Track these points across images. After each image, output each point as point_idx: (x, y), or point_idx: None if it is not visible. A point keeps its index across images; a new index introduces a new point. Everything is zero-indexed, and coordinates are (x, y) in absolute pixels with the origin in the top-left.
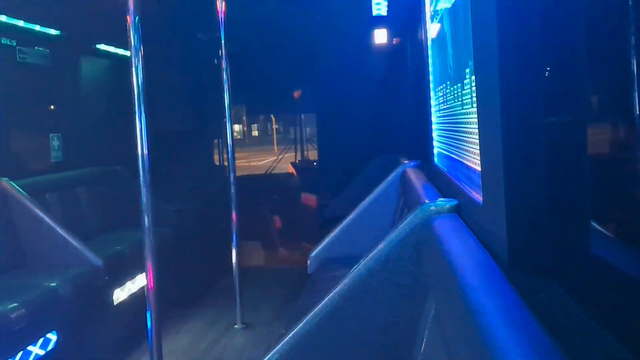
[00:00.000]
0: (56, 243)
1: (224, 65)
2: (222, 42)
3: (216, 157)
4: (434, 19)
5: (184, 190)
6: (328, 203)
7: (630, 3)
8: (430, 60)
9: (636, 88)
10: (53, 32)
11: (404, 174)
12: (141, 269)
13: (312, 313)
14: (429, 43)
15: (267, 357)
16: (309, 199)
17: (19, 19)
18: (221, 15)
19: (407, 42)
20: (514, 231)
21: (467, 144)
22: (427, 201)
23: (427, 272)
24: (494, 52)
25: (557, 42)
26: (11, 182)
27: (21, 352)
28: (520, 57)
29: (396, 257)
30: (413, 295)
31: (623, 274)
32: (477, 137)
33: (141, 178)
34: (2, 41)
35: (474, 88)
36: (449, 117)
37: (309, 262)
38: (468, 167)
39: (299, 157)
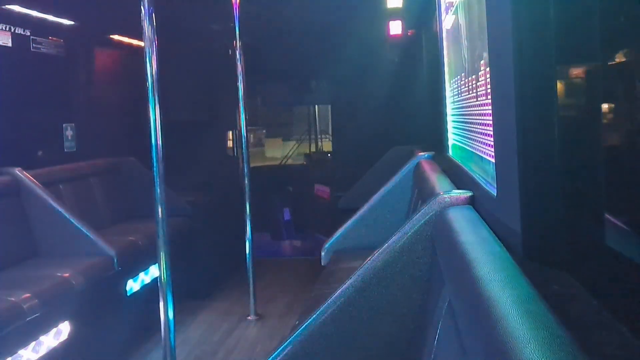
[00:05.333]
0: (69, 233)
1: (237, 56)
2: (237, 33)
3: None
4: (449, 11)
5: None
6: (342, 194)
7: None
8: (445, 52)
9: None
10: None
11: (418, 166)
12: (154, 259)
13: (325, 304)
14: (444, 35)
15: (280, 349)
16: (323, 190)
17: None
18: (235, 6)
19: (421, 34)
20: (528, 223)
21: (481, 136)
22: (441, 192)
23: (441, 263)
24: (508, 44)
25: (572, 33)
26: (24, 172)
27: (34, 342)
28: (536, 48)
29: (410, 249)
30: (427, 286)
31: (637, 266)
32: (491, 129)
33: (154, 169)
34: None
35: (488, 80)
36: (463, 109)
37: (322, 253)
38: (482, 159)
39: (312, 149)
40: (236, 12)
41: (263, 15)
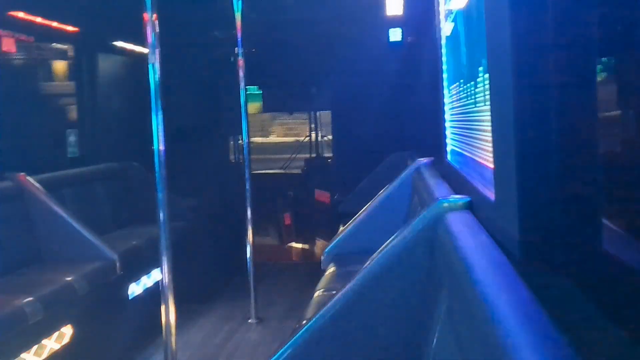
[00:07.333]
0: (72, 238)
1: (240, 63)
2: (239, 40)
3: None
4: (448, 18)
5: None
6: (342, 199)
7: None
8: (444, 59)
9: None
10: None
11: (417, 171)
12: (156, 263)
13: (325, 308)
14: (443, 41)
15: (280, 352)
16: (323, 195)
17: None
18: (237, 13)
19: (421, 40)
20: (526, 228)
21: (480, 142)
22: (440, 198)
23: (439, 268)
24: (507, 51)
25: (570, 40)
26: (28, 177)
27: (36, 345)
28: (534, 55)
29: (409, 253)
30: (426, 291)
31: (635, 270)
32: (489, 134)
33: (157, 173)
34: None
35: (487, 86)
36: (462, 115)
37: (322, 257)
38: (481, 165)
39: (313, 154)
40: (238, 19)
41: (264, 22)
